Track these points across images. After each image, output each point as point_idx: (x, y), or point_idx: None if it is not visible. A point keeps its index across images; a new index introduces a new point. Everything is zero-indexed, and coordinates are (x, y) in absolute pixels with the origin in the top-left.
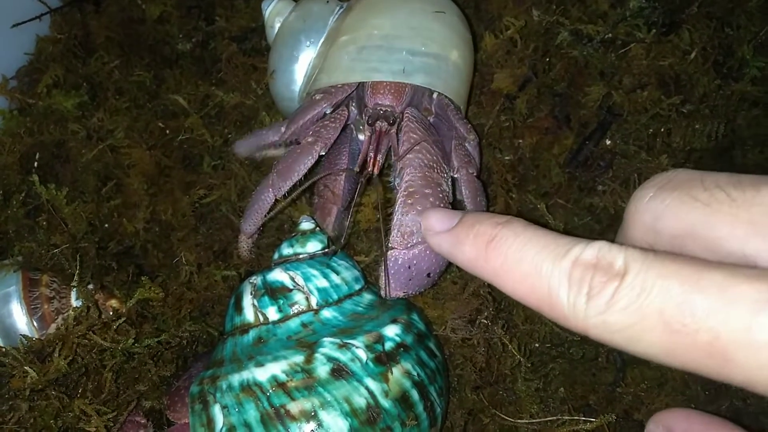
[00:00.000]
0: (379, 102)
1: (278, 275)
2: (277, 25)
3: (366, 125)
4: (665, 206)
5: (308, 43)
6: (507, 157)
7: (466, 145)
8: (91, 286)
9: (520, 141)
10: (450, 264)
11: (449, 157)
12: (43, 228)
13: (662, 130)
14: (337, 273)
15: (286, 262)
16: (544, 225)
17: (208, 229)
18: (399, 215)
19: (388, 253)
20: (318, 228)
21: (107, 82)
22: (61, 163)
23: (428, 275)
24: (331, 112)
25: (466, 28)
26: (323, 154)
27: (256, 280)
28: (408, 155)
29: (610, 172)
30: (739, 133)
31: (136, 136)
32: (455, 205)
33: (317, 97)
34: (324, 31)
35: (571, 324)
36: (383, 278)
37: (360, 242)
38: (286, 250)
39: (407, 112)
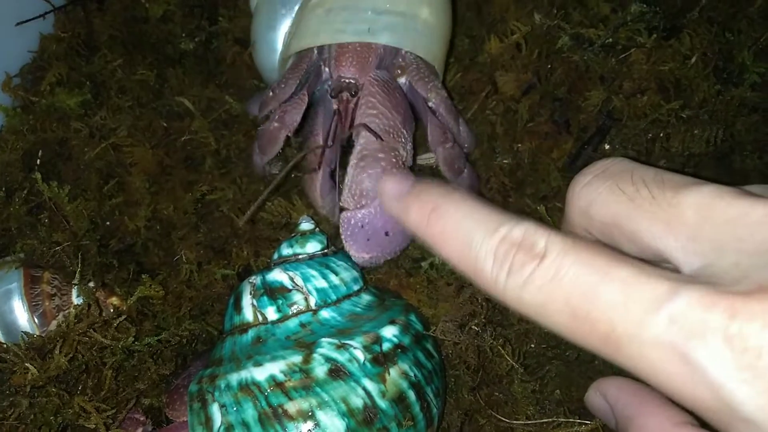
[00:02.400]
0: (342, 74)
1: (277, 275)
2: None
3: (330, 98)
4: (597, 194)
5: (284, 11)
6: (505, 161)
7: (430, 104)
8: (92, 284)
9: (519, 146)
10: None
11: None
12: (45, 226)
13: (661, 135)
14: (336, 274)
15: (285, 263)
16: None
17: (208, 227)
18: (350, 177)
19: (341, 215)
20: (317, 228)
21: (110, 80)
22: (64, 161)
23: (386, 233)
24: (297, 87)
25: None
26: (290, 135)
27: (256, 279)
28: (365, 119)
29: None
30: (738, 138)
31: (138, 134)
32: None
33: (277, 83)
34: None
35: (492, 293)
36: (344, 242)
37: None
38: (286, 251)
39: (371, 76)
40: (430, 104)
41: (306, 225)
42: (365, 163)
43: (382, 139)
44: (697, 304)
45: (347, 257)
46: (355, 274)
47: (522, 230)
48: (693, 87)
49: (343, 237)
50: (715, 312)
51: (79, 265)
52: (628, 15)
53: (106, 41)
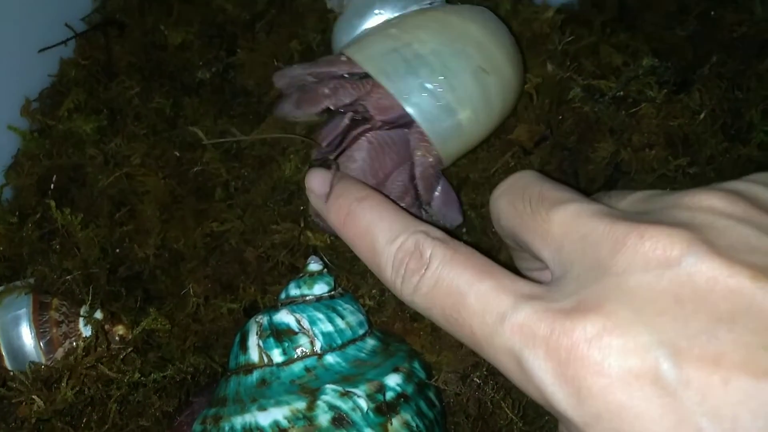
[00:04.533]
0: (366, 102)
1: (284, 317)
2: None
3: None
4: (502, 208)
5: (377, 11)
6: None
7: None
8: (99, 314)
9: None
10: None
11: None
12: (56, 252)
13: (668, 189)
14: (342, 317)
15: (292, 304)
16: None
17: (217, 261)
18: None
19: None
20: (326, 269)
21: (127, 107)
22: (78, 187)
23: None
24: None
25: (504, 96)
26: (332, 108)
27: (263, 319)
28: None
29: None
30: None
31: (152, 163)
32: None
33: (342, 59)
34: (398, 12)
35: (397, 296)
36: None
37: (364, 284)
38: (294, 291)
39: (381, 125)
40: (414, 159)
41: (314, 266)
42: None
43: None
44: (530, 319)
45: (353, 300)
46: (361, 317)
47: (414, 240)
48: (701, 143)
49: None
50: (541, 326)
51: (90, 298)
52: (640, 68)
53: (124, 67)
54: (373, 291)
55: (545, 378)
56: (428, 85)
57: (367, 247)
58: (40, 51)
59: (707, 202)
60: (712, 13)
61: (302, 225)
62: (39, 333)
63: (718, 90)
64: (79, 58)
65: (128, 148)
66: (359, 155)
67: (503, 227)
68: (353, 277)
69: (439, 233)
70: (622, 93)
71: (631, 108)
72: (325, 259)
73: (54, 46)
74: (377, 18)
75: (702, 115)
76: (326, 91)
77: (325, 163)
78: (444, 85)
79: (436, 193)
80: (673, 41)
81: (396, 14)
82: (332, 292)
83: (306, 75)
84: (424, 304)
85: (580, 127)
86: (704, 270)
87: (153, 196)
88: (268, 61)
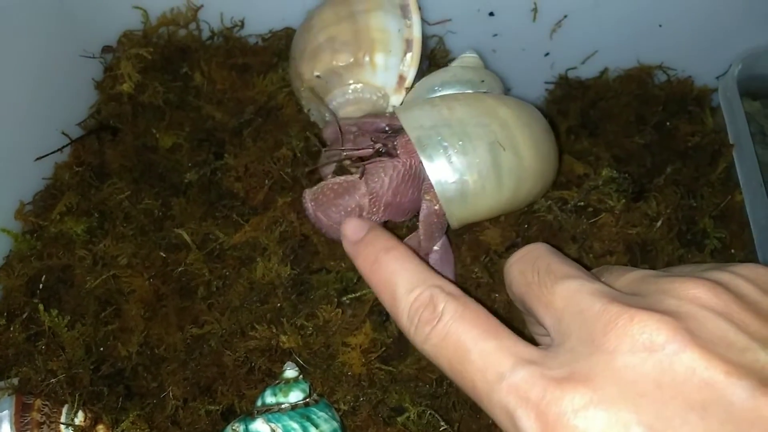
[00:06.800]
0: (398, 143)
1: (260, 426)
2: (456, 63)
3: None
4: (513, 276)
5: (437, 88)
6: None
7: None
8: (81, 414)
9: (497, 295)
10: None
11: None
12: (41, 354)
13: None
14: (316, 426)
15: (268, 412)
16: None
17: (196, 364)
18: (323, 183)
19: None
20: (301, 376)
21: (117, 209)
22: (66, 288)
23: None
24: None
25: (519, 176)
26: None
27: (239, 428)
28: (374, 172)
29: None
30: None
31: (138, 263)
32: None
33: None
34: (454, 90)
35: (411, 341)
36: None
37: (340, 388)
38: (269, 399)
39: (409, 156)
40: (422, 202)
41: (290, 372)
42: (342, 188)
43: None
44: (525, 382)
45: (328, 406)
46: (335, 425)
47: (429, 293)
48: (658, 249)
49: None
50: (535, 390)
51: (72, 399)
52: (600, 179)
53: (116, 170)
54: (348, 396)
55: None
56: (445, 143)
57: (389, 294)
58: (37, 159)
59: (693, 292)
60: (668, 123)
61: (275, 330)
62: None
63: (673, 197)
64: (73, 163)
65: (116, 248)
66: (387, 172)
67: (514, 293)
68: (328, 380)
69: (453, 288)
70: (583, 203)
71: (592, 217)
72: (301, 362)
73: (50, 153)
74: (437, 93)
75: (659, 223)
76: (350, 136)
77: (342, 170)
78: (458, 147)
79: (436, 248)
80: (632, 149)
81: (451, 91)
82: (307, 399)
83: (351, 125)
84: (432, 353)
85: (544, 234)
86: (684, 360)
87: (138, 296)
88: (252, 167)
